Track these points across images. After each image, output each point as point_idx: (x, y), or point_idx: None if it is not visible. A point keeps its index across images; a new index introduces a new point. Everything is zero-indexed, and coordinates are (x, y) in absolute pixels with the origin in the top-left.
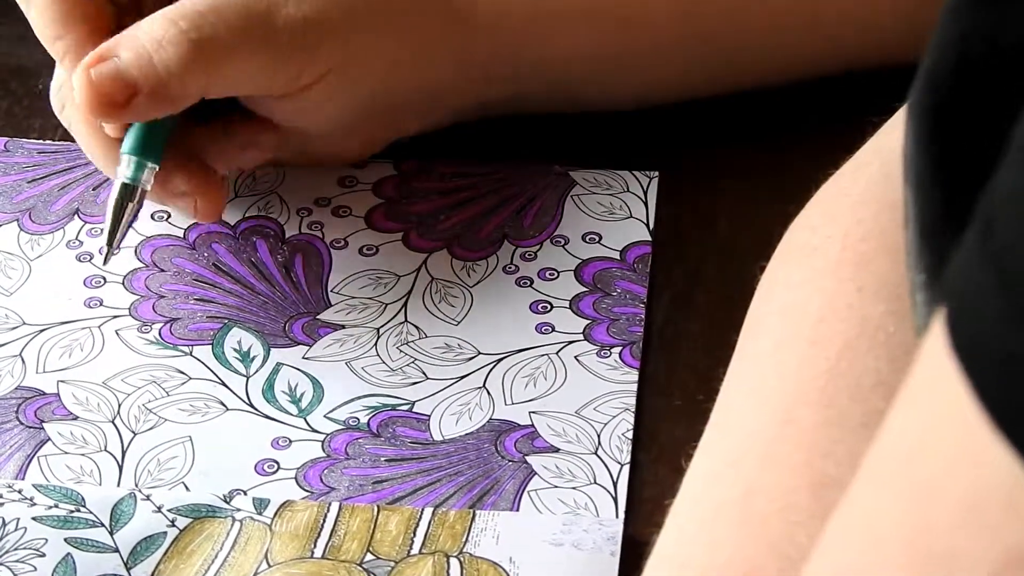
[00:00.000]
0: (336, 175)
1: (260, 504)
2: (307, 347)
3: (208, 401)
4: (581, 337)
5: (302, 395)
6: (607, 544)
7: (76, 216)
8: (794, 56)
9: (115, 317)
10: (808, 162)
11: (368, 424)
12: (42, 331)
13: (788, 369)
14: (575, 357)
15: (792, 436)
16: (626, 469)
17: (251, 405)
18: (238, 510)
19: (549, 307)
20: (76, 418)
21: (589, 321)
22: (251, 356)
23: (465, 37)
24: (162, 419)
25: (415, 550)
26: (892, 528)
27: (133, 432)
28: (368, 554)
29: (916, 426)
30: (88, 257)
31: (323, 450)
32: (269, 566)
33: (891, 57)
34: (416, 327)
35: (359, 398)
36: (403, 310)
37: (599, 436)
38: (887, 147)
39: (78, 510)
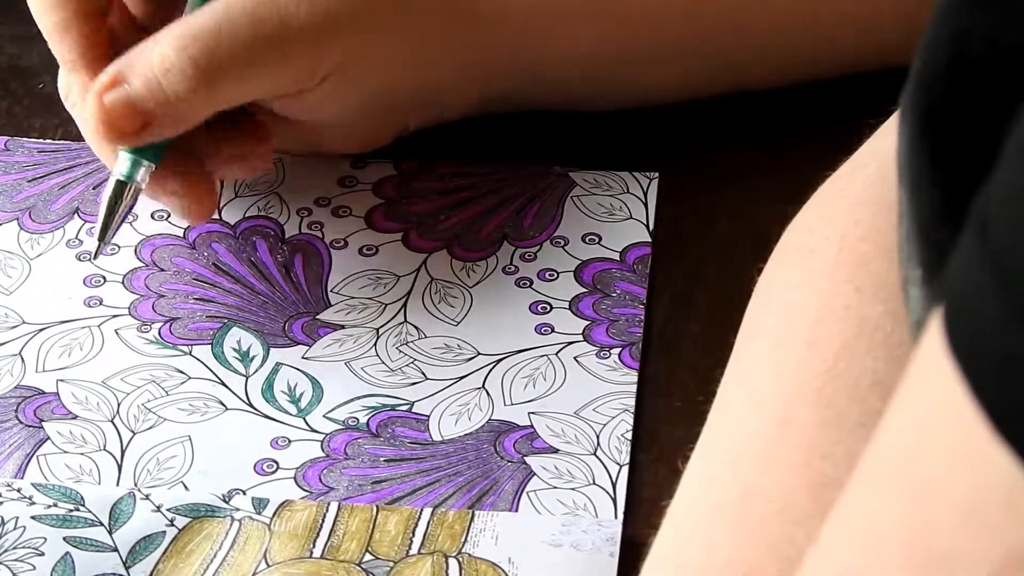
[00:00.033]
0: (336, 175)
1: (259, 504)
2: (307, 347)
3: (207, 401)
4: (580, 338)
5: (301, 395)
6: (606, 545)
7: (76, 215)
8: (794, 57)
9: (115, 316)
10: (807, 163)
11: (367, 424)
12: (42, 330)
13: (786, 370)
14: (574, 358)
15: (790, 437)
16: (625, 470)
17: (250, 405)
18: (237, 510)
19: (549, 308)
20: (75, 417)
21: (589, 322)
22: (250, 356)
23: (467, 36)
24: (161, 418)
25: (414, 550)
26: (891, 528)
27: (132, 431)
28: (367, 554)
29: (914, 426)
30: (88, 256)
31: (322, 450)
32: (268, 566)
33: (891, 58)
34: (416, 327)
35: (358, 398)
36: (403, 310)
37: (598, 437)
38: (884, 148)
39: (77, 509)
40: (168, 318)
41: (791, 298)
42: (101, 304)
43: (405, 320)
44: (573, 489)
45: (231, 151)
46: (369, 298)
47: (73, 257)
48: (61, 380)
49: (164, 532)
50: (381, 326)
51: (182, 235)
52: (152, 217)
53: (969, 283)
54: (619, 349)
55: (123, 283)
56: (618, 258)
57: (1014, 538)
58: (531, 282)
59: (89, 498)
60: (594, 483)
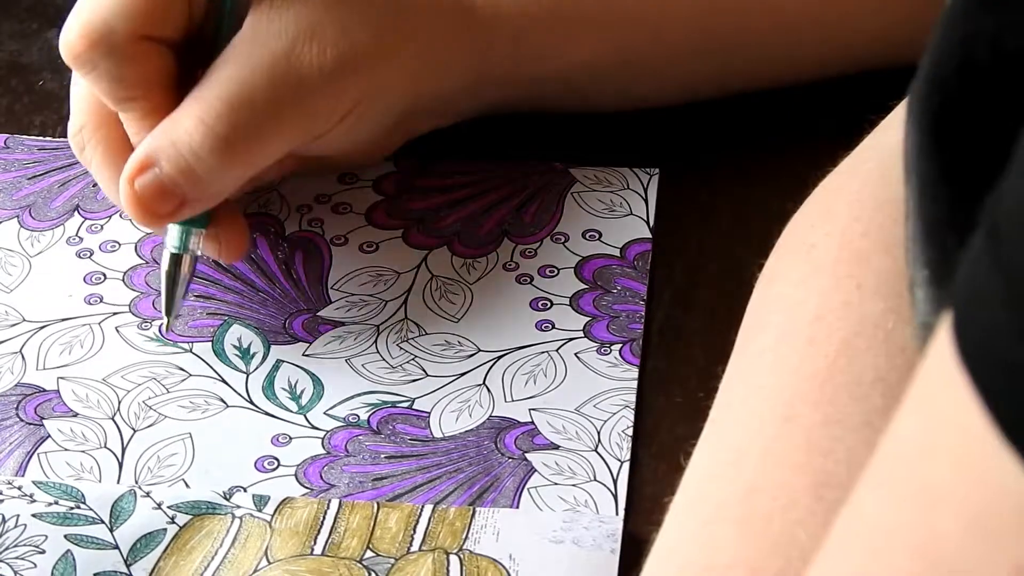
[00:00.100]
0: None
1: (260, 501)
2: (307, 344)
3: (208, 398)
4: (581, 334)
5: (302, 392)
6: (607, 541)
7: (76, 212)
8: (801, 59)
9: (115, 314)
10: (807, 159)
11: (368, 421)
12: (42, 328)
13: (787, 367)
14: (575, 354)
15: (792, 434)
16: (626, 466)
17: (251, 402)
18: (238, 507)
19: (549, 304)
20: (76, 415)
21: (589, 318)
22: (251, 353)
23: (472, 46)
24: (162, 416)
25: (415, 547)
26: (899, 535)
27: (133, 429)
28: (368, 551)
29: (922, 432)
30: (88, 253)
31: (323, 447)
32: (269, 563)
33: (898, 58)
34: (416, 324)
35: (359, 395)
36: (403, 307)
37: (599, 433)
38: (885, 144)
39: (78, 507)
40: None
41: (792, 294)
42: (101, 301)
43: (406, 317)
44: (574, 485)
45: (211, 231)
46: (370, 295)
47: (73, 254)
48: (62, 378)
49: (165, 530)
50: (382, 323)
51: None
52: None
53: (978, 291)
54: (620, 345)
55: (123, 280)
56: (619, 254)
57: (1023, 550)
58: (532, 278)
59: (90, 496)
60: (595, 479)
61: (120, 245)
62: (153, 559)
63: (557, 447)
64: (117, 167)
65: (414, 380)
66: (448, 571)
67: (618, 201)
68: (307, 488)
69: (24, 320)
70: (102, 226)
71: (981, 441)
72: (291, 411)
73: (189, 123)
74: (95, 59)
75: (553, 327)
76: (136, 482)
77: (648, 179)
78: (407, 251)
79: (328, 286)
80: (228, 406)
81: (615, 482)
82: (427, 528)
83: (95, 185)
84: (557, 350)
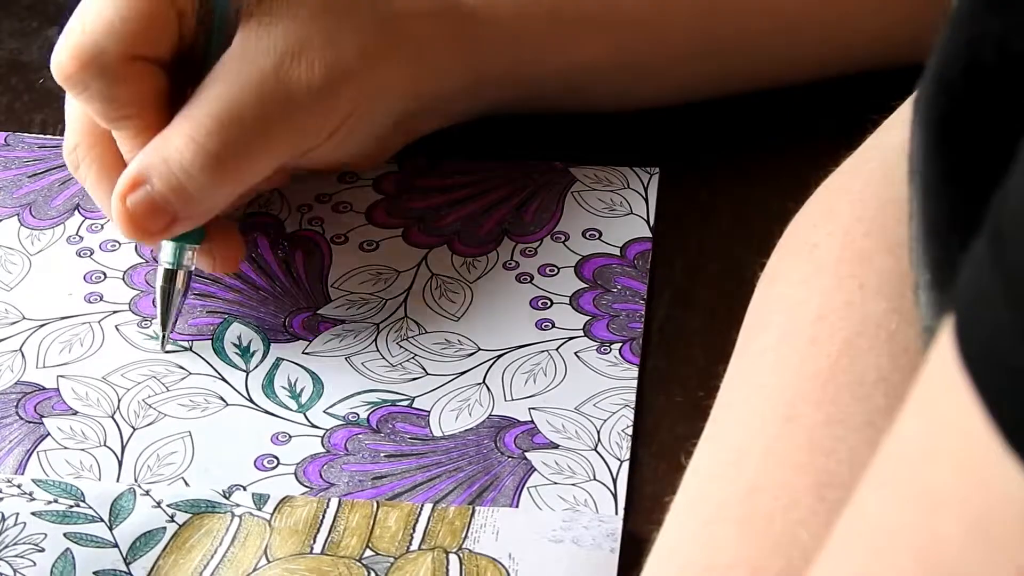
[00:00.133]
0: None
1: (260, 499)
2: (307, 342)
3: (208, 396)
4: (581, 333)
5: (302, 390)
6: (607, 540)
7: (76, 211)
8: (803, 60)
9: (115, 312)
10: (808, 159)
11: (368, 420)
12: (42, 326)
13: (789, 366)
14: (575, 353)
15: (794, 434)
16: (626, 465)
17: (251, 400)
18: (237, 505)
19: (549, 303)
20: (76, 413)
21: (589, 317)
22: (251, 351)
23: (484, 47)
24: (162, 414)
25: (414, 546)
26: (901, 537)
27: (133, 427)
28: (367, 550)
29: (924, 435)
30: (88, 252)
31: (323, 446)
32: (268, 562)
33: (899, 59)
34: (416, 323)
35: (359, 394)
36: (403, 306)
37: (599, 432)
38: (887, 144)
39: (77, 505)
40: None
41: (794, 294)
42: (101, 300)
43: (406, 316)
44: (574, 485)
45: (204, 246)
46: (370, 293)
47: (73, 253)
48: (61, 376)
49: (164, 528)
50: (381, 321)
51: None
52: None
53: (981, 293)
54: (620, 344)
55: (123, 279)
56: (619, 253)
57: None
58: (532, 277)
59: (89, 494)
60: (595, 479)
61: (120, 244)
62: (152, 557)
63: (557, 446)
64: (111, 184)
65: (414, 379)
66: (447, 570)
67: (618, 200)
68: (307, 487)
69: (24, 318)
70: (102, 225)
71: (983, 445)
72: (291, 409)
73: (180, 141)
74: (86, 80)
75: (553, 326)
76: (136, 480)
77: (648, 178)
78: (407, 250)
79: (328, 285)
80: (228, 404)
81: (615, 481)
82: (426, 527)
83: None
84: (557, 349)
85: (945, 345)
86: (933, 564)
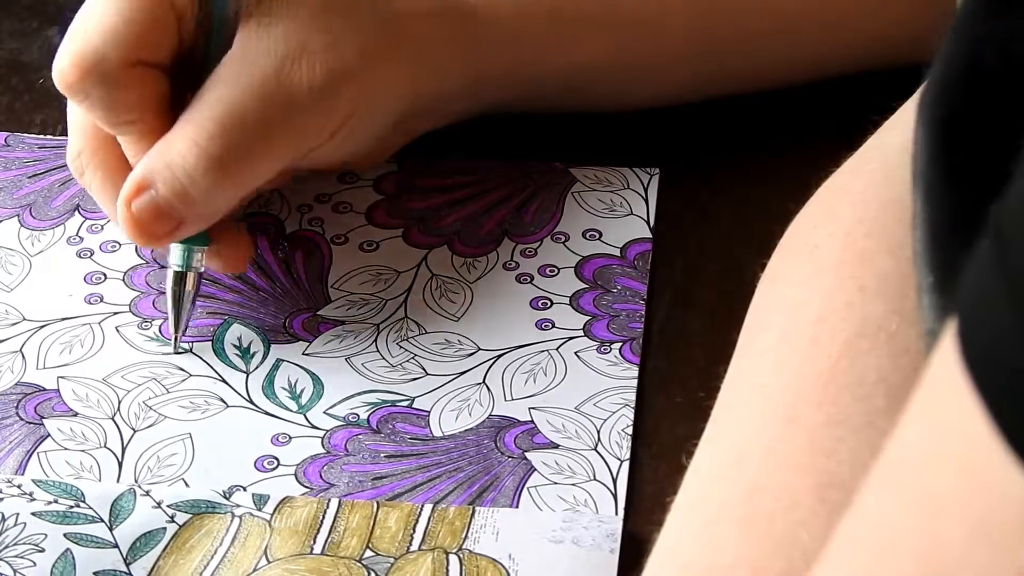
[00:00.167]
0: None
1: (260, 500)
2: (307, 343)
3: (208, 398)
4: (581, 333)
5: (302, 391)
6: (606, 541)
7: (77, 212)
8: (806, 62)
9: (115, 313)
10: (809, 160)
11: (368, 420)
12: (42, 327)
13: (789, 367)
14: (575, 353)
15: (795, 435)
16: (626, 465)
17: (251, 401)
18: (238, 506)
19: (549, 303)
20: (76, 414)
21: (589, 317)
22: (251, 352)
23: (484, 47)
24: (162, 416)
25: (414, 546)
26: (903, 540)
27: (133, 429)
28: (367, 550)
29: (926, 438)
30: (88, 253)
31: (323, 446)
32: (268, 562)
33: (899, 59)
34: (416, 323)
35: (359, 394)
36: (403, 306)
37: (599, 432)
38: (888, 145)
39: (78, 505)
40: (168, 315)
41: (794, 295)
42: (102, 301)
43: (406, 316)
44: (574, 485)
45: (212, 247)
46: (370, 294)
47: (74, 254)
48: (62, 377)
49: (165, 528)
50: (382, 322)
51: None
52: None
53: (983, 294)
54: (620, 344)
55: (124, 280)
56: (619, 254)
57: None
58: (532, 278)
59: (90, 494)
60: (595, 479)
61: (120, 245)
62: (152, 558)
63: (557, 446)
64: (116, 189)
65: (414, 379)
66: (447, 570)
67: (618, 201)
68: (307, 487)
69: (24, 319)
70: (103, 226)
71: (985, 448)
72: (291, 410)
73: (183, 145)
74: (88, 87)
75: (553, 326)
76: (136, 481)
77: (648, 179)
78: (407, 250)
79: (328, 285)
80: (228, 406)
81: (615, 481)
82: (427, 527)
83: None
84: (557, 349)
85: (947, 348)
86: (935, 567)
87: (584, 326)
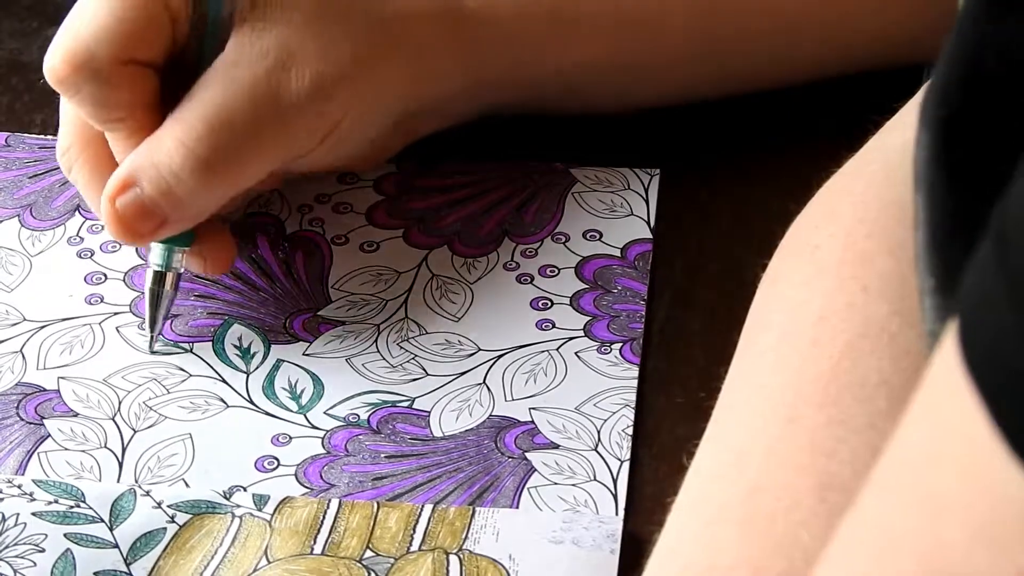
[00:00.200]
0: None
1: (260, 500)
2: (307, 343)
3: (208, 398)
4: (581, 333)
5: (302, 391)
6: (607, 542)
7: (77, 212)
8: (806, 62)
9: (116, 314)
10: (810, 160)
11: (368, 420)
12: (43, 327)
13: (790, 367)
14: (575, 353)
15: (796, 435)
16: (626, 466)
17: (251, 402)
18: (238, 506)
19: (550, 304)
20: (76, 415)
21: (590, 318)
22: (251, 353)
23: (483, 48)
24: (162, 416)
25: (415, 547)
26: (905, 542)
27: (133, 429)
28: (368, 551)
29: (927, 439)
30: (89, 253)
31: (323, 447)
32: (269, 562)
33: (899, 58)
34: (416, 323)
35: (359, 394)
36: (403, 306)
37: (599, 432)
38: (889, 146)
39: (78, 506)
40: (169, 315)
41: (795, 295)
42: (102, 301)
43: (406, 316)
44: (574, 485)
45: (195, 248)
46: (370, 294)
47: (74, 254)
48: (62, 377)
49: (165, 529)
50: (382, 322)
51: None
52: None
53: (984, 296)
54: (620, 344)
55: (124, 280)
56: (619, 254)
57: None
58: (532, 278)
59: (90, 494)
60: (595, 479)
61: (121, 246)
62: (153, 558)
63: (557, 446)
64: (103, 185)
65: (414, 379)
66: (448, 571)
67: (619, 201)
68: (307, 488)
69: (25, 319)
70: (103, 227)
71: (987, 450)
72: (291, 411)
73: (170, 145)
74: (78, 83)
75: (553, 326)
76: (136, 482)
77: (649, 180)
78: (408, 250)
79: (328, 285)
80: (228, 406)
81: (615, 482)
82: (427, 528)
83: None
84: (557, 349)
85: (949, 349)
86: (937, 568)
87: (584, 326)
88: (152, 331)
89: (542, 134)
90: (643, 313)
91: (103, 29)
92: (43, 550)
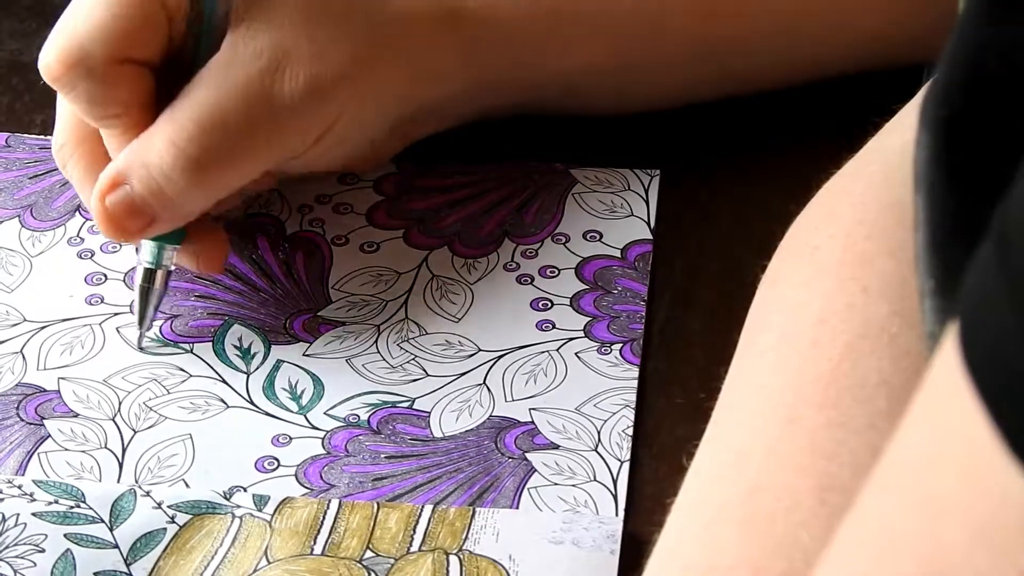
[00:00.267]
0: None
1: (260, 501)
2: (307, 344)
3: (208, 399)
4: (582, 334)
5: (302, 392)
6: (607, 542)
7: (77, 213)
8: (806, 62)
9: (116, 314)
10: (809, 161)
11: (368, 421)
12: (43, 328)
13: (790, 368)
14: (576, 354)
15: (796, 436)
16: (626, 466)
17: (251, 402)
18: (238, 507)
19: (550, 304)
20: (76, 415)
21: (590, 318)
22: (251, 353)
23: (480, 52)
24: (162, 417)
25: (415, 547)
26: (905, 543)
27: (133, 430)
28: (368, 551)
29: (928, 440)
30: (89, 254)
31: (323, 447)
32: (269, 563)
33: (900, 60)
34: (417, 324)
35: (359, 395)
36: (404, 307)
37: (599, 433)
38: (888, 147)
39: (78, 506)
40: (169, 316)
41: (795, 296)
42: (102, 302)
43: (406, 317)
44: (574, 486)
45: (188, 246)
46: (370, 295)
47: (74, 255)
48: (62, 378)
49: (165, 529)
50: (382, 323)
51: None
52: None
53: (985, 297)
54: (620, 345)
55: (124, 281)
56: (619, 255)
57: None
58: (532, 279)
59: (90, 495)
60: (595, 479)
61: (121, 246)
62: (153, 558)
63: (557, 447)
64: (95, 182)
65: (414, 380)
66: (448, 571)
67: (619, 202)
68: (307, 488)
69: (25, 320)
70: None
71: (987, 452)
72: (291, 411)
73: (160, 144)
74: (73, 80)
75: (553, 327)
76: (136, 482)
77: (649, 180)
78: (408, 251)
79: (329, 286)
80: (228, 406)
81: (615, 482)
82: (427, 528)
83: None
84: (558, 350)
85: (949, 350)
86: (937, 570)
87: (584, 327)
88: (141, 328)
89: (542, 134)
90: (643, 314)
91: (99, 27)
92: (43, 550)
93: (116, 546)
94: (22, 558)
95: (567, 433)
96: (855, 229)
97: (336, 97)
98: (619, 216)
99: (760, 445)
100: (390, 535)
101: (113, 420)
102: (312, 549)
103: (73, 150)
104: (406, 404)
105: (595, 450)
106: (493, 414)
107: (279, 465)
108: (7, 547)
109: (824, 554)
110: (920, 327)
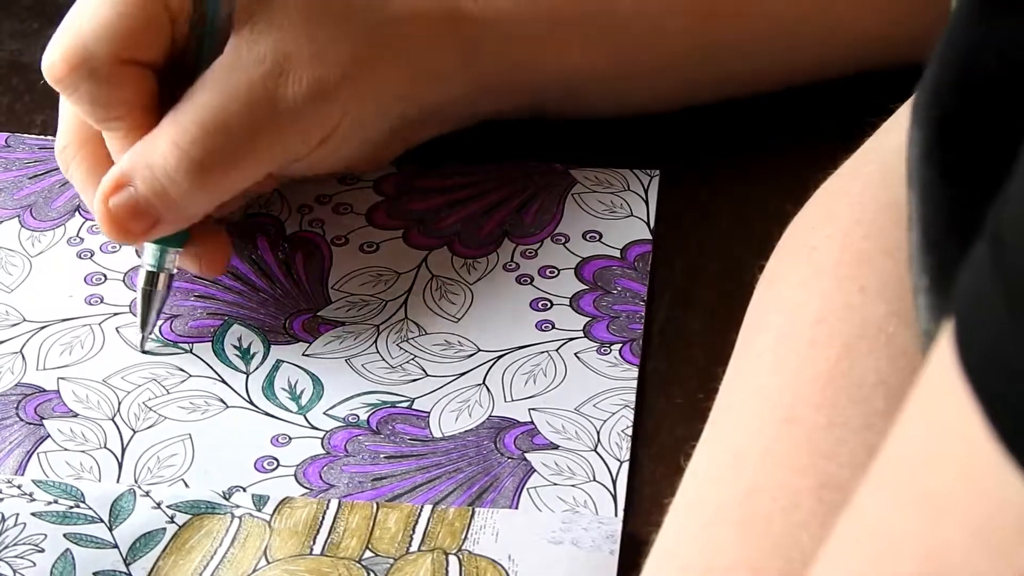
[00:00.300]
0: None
1: (259, 501)
2: (307, 344)
3: (208, 399)
4: (581, 334)
5: (302, 392)
6: (606, 542)
7: (77, 213)
8: (806, 64)
9: (116, 314)
10: (808, 161)
11: (368, 421)
12: (43, 328)
13: (788, 368)
14: (575, 354)
15: (793, 436)
16: (625, 466)
17: (251, 402)
18: (237, 507)
19: (549, 304)
20: (76, 415)
21: (589, 318)
22: (251, 353)
23: (480, 54)
24: (162, 417)
25: (414, 547)
26: (903, 542)
27: (133, 430)
28: (367, 551)
29: (924, 439)
30: (89, 254)
31: (323, 447)
32: (268, 563)
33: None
34: (416, 324)
35: (359, 395)
36: (403, 307)
37: (598, 433)
38: (886, 147)
39: (77, 506)
40: (169, 315)
41: (793, 296)
42: (102, 302)
43: (406, 317)
44: (573, 486)
45: (191, 248)
46: (370, 295)
47: (74, 255)
48: (62, 378)
49: (164, 529)
50: (382, 323)
51: None
52: None
53: (981, 298)
54: (620, 345)
55: (124, 281)
56: (619, 255)
57: None
58: (532, 279)
59: (89, 495)
60: (594, 480)
61: (121, 246)
62: (152, 558)
63: (557, 447)
64: (98, 184)
65: (414, 380)
66: (447, 571)
67: (619, 202)
68: (306, 488)
69: (24, 320)
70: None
71: (983, 451)
72: (291, 411)
73: (164, 146)
74: (76, 81)
75: (553, 327)
76: (136, 482)
77: (648, 181)
78: (407, 251)
79: (328, 286)
80: (228, 406)
81: (614, 482)
82: (426, 528)
83: None
84: (557, 350)
85: (944, 349)
86: (935, 569)
87: (584, 327)
88: (144, 331)
89: (542, 135)
90: (643, 314)
91: (102, 28)
92: (43, 550)
93: (115, 546)
94: (21, 558)
95: (566, 433)
96: (853, 229)
97: (338, 99)
98: (619, 216)
99: (758, 445)
100: (389, 535)
101: (112, 420)
102: (311, 549)
103: (76, 152)
104: (406, 404)
105: (594, 450)
106: (492, 414)
107: (278, 465)
108: (6, 547)
109: (821, 552)
110: (917, 327)
